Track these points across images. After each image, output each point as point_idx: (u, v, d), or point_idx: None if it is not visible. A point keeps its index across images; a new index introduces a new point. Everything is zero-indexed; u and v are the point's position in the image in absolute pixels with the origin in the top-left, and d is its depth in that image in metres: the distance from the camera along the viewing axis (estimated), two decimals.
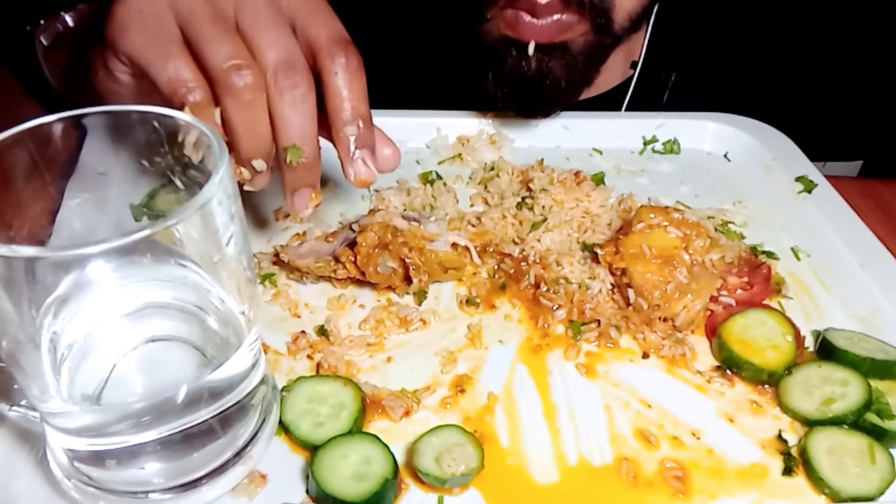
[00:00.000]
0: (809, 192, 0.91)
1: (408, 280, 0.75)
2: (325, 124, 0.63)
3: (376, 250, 0.73)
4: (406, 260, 0.74)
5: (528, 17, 0.85)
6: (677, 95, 1.12)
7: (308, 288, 0.77)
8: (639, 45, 1.10)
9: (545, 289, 0.76)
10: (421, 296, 0.76)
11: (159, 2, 0.60)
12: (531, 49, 0.87)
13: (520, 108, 0.99)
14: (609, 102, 1.12)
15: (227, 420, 0.55)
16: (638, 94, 1.11)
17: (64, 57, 0.76)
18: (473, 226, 0.84)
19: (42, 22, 0.78)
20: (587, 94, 1.11)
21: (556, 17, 0.85)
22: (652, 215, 0.76)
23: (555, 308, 0.74)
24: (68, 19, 0.77)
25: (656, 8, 1.06)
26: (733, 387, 0.68)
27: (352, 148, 0.62)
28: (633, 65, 1.11)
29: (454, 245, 0.77)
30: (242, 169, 0.62)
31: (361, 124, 0.62)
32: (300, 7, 0.62)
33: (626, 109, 1.12)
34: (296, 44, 0.61)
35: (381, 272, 0.73)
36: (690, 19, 1.09)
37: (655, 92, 1.12)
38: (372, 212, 0.80)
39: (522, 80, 0.90)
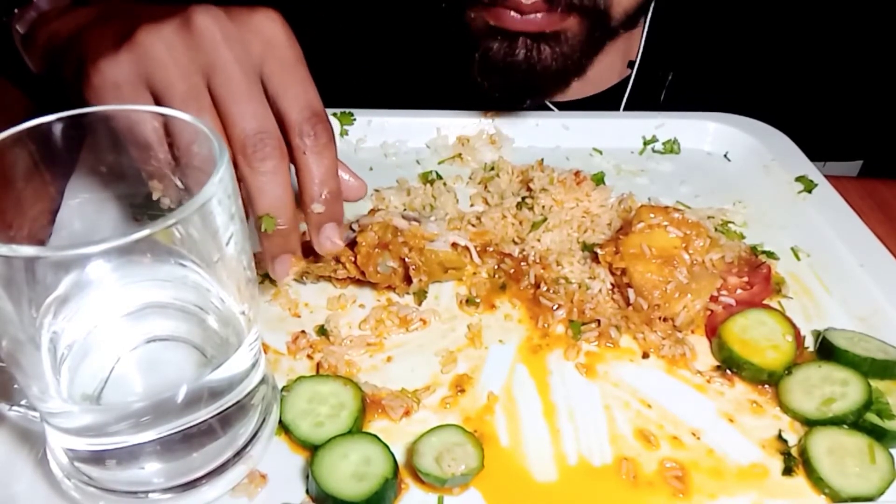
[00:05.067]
0: (809, 192, 0.91)
1: (408, 280, 0.75)
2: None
3: (376, 250, 0.73)
4: (406, 260, 0.74)
5: (513, 13, 0.85)
6: (675, 95, 1.12)
7: (308, 288, 0.77)
8: (636, 44, 1.10)
9: (545, 289, 0.76)
10: (421, 296, 0.76)
11: (133, 75, 0.60)
12: (520, 41, 0.87)
13: (508, 96, 0.98)
14: (606, 102, 1.12)
15: (227, 420, 0.55)
16: (635, 93, 1.11)
17: (43, 40, 0.74)
18: (473, 226, 0.84)
19: (16, 11, 0.76)
20: (584, 92, 1.11)
21: (541, 14, 0.85)
22: (652, 215, 0.76)
23: (555, 308, 0.74)
24: (42, 3, 0.76)
25: (652, 7, 1.06)
26: (733, 387, 0.68)
27: (318, 220, 0.64)
28: (631, 64, 1.11)
29: (454, 245, 0.77)
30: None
31: (328, 197, 0.63)
32: (275, 72, 0.62)
33: (626, 109, 1.12)
34: (267, 114, 0.61)
35: (381, 272, 0.73)
36: (687, 19, 1.09)
37: (653, 91, 1.12)
38: (372, 211, 0.80)
39: (511, 67, 0.90)
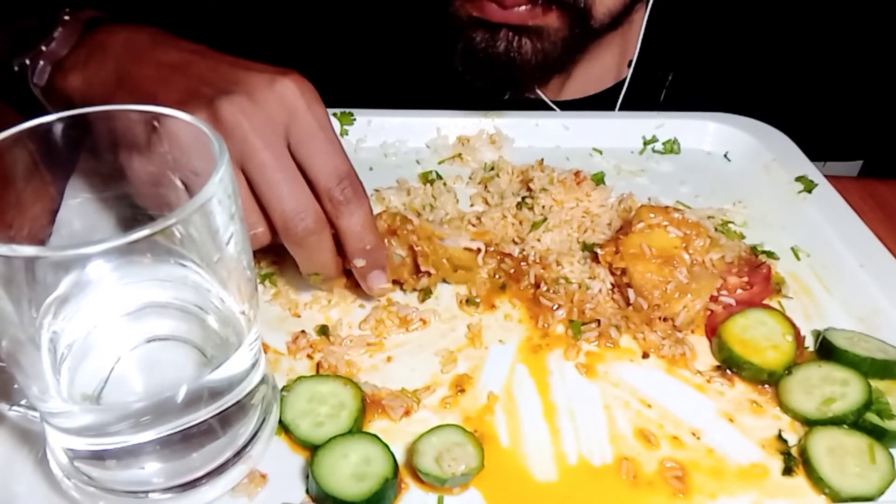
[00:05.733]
0: (809, 192, 0.91)
1: (417, 270, 0.74)
2: None
3: (385, 239, 0.73)
4: (415, 248, 0.73)
5: (495, 6, 0.86)
6: (675, 95, 1.12)
7: (308, 287, 0.77)
8: (634, 45, 1.10)
9: (545, 289, 0.76)
10: (427, 294, 0.76)
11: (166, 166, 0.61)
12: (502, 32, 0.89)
13: (489, 87, 0.99)
14: (607, 102, 1.12)
15: (227, 420, 0.55)
16: (636, 93, 1.11)
17: (65, 95, 0.73)
18: (473, 226, 0.84)
19: (27, 62, 0.75)
20: (585, 92, 1.11)
21: (523, 7, 0.86)
22: (652, 215, 0.76)
23: (555, 308, 0.74)
24: (56, 47, 0.75)
25: (650, 6, 1.06)
26: (733, 387, 0.68)
27: (363, 271, 0.70)
28: (631, 64, 1.11)
29: (467, 249, 0.77)
30: None
31: (368, 250, 0.68)
32: (301, 142, 0.65)
33: (625, 109, 1.12)
34: (302, 190, 0.65)
35: (392, 260, 0.73)
36: (686, 19, 1.09)
37: (653, 91, 1.12)
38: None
39: (491, 59, 0.91)
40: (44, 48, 0.75)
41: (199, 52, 0.70)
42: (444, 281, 0.77)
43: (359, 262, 0.69)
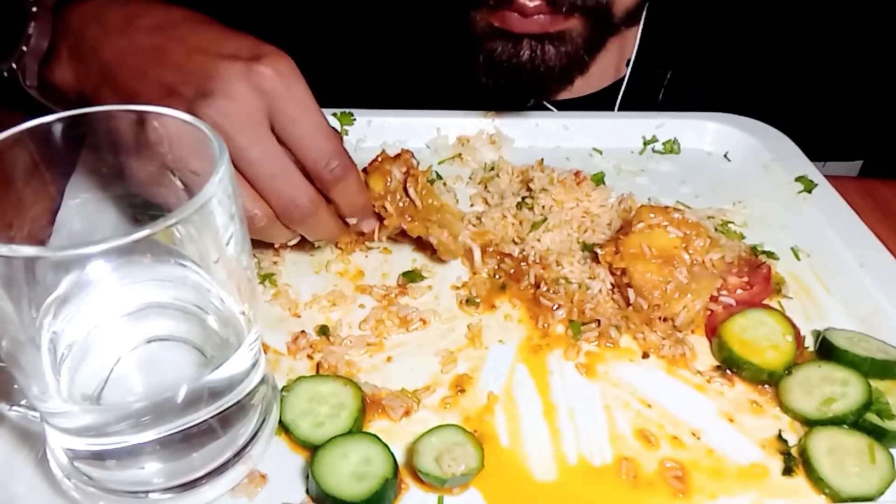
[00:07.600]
0: (809, 192, 0.91)
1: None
2: None
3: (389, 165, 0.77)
4: (410, 172, 0.77)
5: (517, 16, 0.86)
6: (674, 94, 1.12)
7: (308, 288, 0.77)
8: (632, 44, 1.10)
9: (545, 289, 0.76)
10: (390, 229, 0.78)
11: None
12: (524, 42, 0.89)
13: (512, 95, 0.99)
14: (606, 100, 1.12)
15: (227, 420, 0.55)
16: (634, 93, 1.11)
17: (60, 89, 0.74)
18: (474, 226, 0.84)
19: (14, 66, 0.75)
20: (583, 91, 1.11)
21: (545, 16, 0.86)
22: (652, 215, 0.76)
23: (555, 308, 0.74)
24: (35, 42, 0.74)
25: (647, 6, 1.06)
26: (733, 387, 0.68)
27: (356, 227, 0.77)
28: (630, 63, 1.11)
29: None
30: None
31: (362, 213, 0.76)
32: (284, 126, 0.66)
33: (623, 109, 1.12)
34: (293, 177, 0.67)
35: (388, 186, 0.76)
36: (685, 17, 1.09)
37: (651, 91, 1.12)
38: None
39: (515, 68, 0.90)
40: (25, 48, 0.74)
41: (170, 31, 0.69)
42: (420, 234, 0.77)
43: (352, 220, 0.75)
